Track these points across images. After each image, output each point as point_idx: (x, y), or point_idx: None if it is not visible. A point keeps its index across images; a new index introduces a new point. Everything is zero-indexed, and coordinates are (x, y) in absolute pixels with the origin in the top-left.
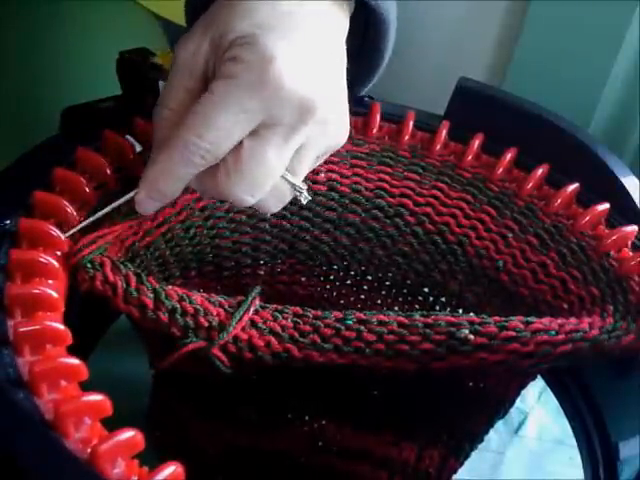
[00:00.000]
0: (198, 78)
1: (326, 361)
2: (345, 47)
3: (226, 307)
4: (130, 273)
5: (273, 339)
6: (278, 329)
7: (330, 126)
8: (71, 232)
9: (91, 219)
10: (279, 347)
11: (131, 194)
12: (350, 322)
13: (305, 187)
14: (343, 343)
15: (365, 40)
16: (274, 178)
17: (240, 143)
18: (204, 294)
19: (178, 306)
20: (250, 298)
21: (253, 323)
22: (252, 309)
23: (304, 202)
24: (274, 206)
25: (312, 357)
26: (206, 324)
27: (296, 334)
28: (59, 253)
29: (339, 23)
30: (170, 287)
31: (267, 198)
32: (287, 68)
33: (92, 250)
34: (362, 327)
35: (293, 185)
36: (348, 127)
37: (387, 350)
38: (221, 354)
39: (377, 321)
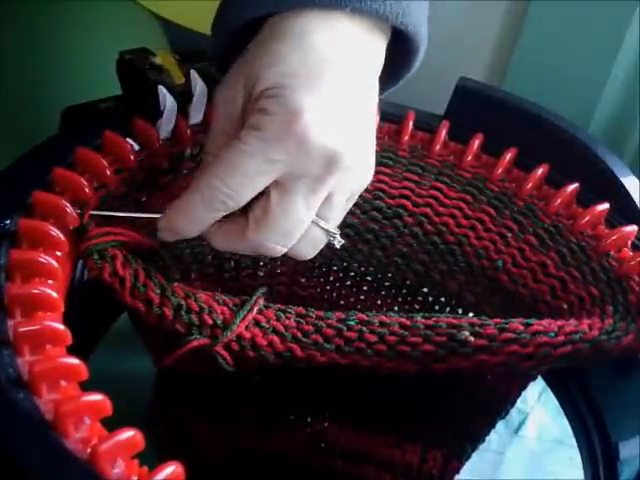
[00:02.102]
0: (236, 124)
1: (328, 361)
2: (377, 84)
3: (230, 306)
4: (140, 268)
5: (276, 338)
6: (281, 329)
7: (357, 172)
8: (95, 213)
9: (114, 214)
10: (282, 346)
11: (155, 216)
12: (352, 323)
13: (338, 232)
14: (345, 343)
15: (395, 55)
16: (303, 227)
17: (268, 195)
18: (209, 292)
19: (184, 303)
20: (254, 297)
21: (257, 322)
22: (256, 308)
23: (338, 246)
24: (309, 252)
25: (314, 357)
26: (210, 322)
27: (299, 334)
28: (59, 253)
29: (374, 59)
30: (177, 284)
31: (300, 245)
32: (313, 122)
33: (103, 242)
34: (364, 328)
35: (326, 231)
36: (373, 167)
37: (388, 351)
38: (225, 352)
39: (379, 322)
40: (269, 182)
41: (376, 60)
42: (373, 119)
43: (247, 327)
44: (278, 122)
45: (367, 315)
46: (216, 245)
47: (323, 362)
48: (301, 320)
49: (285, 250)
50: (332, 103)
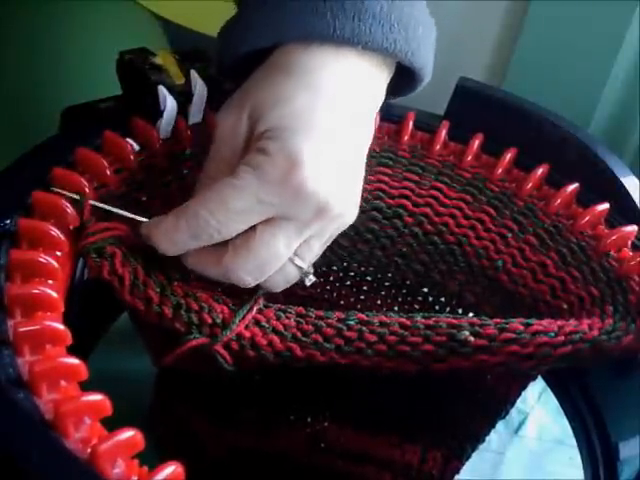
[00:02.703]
0: (237, 153)
1: (328, 361)
2: (374, 121)
3: (230, 305)
4: (139, 266)
5: (276, 338)
6: (281, 328)
7: (342, 218)
8: (93, 203)
9: (112, 209)
10: (281, 346)
11: (142, 219)
12: (352, 322)
13: (312, 270)
14: (345, 343)
15: (397, 80)
16: (278, 264)
17: (252, 226)
18: (209, 292)
19: (183, 302)
20: (254, 297)
21: (256, 322)
22: (255, 308)
23: (308, 284)
24: (280, 286)
25: (314, 356)
26: (210, 321)
27: (298, 333)
28: (59, 253)
29: (376, 97)
30: (176, 283)
31: (273, 278)
32: (311, 173)
33: (101, 239)
34: (364, 328)
35: (300, 268)
36: (357, 212)
37: (388, 351)
38: (224, 351)
39: (379, 322)
40: (258, 221)
41: (377, 97)
42: (364, 162)
43: (247, 326)
44: (277, 167)
45: (367, 315)
46: (187, 264)
47: (323, 362)
48: (301, 320)
49: (255, 283)
50: (330, 151)
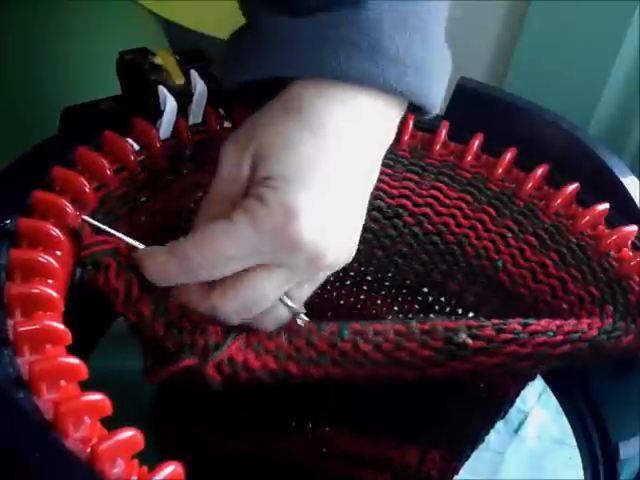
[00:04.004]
0: (238, 192)
1: (324, 375)
2: (380, 158)
3: (224, 326)
4: (135, 278)
5: (269, 358)
6: (273, 348)
7: (336, 265)
8: (86, 219)
9: (108, 229)
10: (275, 366)
11: (137, 245)
12: (346, 334)
13: (304, 311)
14: (340, 355)
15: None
16: (266, 306)
17: None
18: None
19: (176, 321)
20: None
21: (249, 343)
22: (247, 330)
23: (302, 324)
24: (270, 325)
25: (310, 372)
26: (202, 342)
27: (292, 351)
28: (59, 253)
29: (386, 134)
30: (172, 300)
31: (264, 318)
32: (307, 225)
33: (97, 251)
34: (358, 338)
35: (291, 308)
36: (351, 258)
37: (385, 359)
38: (215, 373)
39: (373, 331)
40: (250, 266)
41: (388, 135)
42: (365, 208)
43: (239, 348)
44: (274, 217)
45: (361, 324)
46: (176, 296)
47: (319, 376)
48: (293, 337)
49: (240, 321)
50: (330, 202)
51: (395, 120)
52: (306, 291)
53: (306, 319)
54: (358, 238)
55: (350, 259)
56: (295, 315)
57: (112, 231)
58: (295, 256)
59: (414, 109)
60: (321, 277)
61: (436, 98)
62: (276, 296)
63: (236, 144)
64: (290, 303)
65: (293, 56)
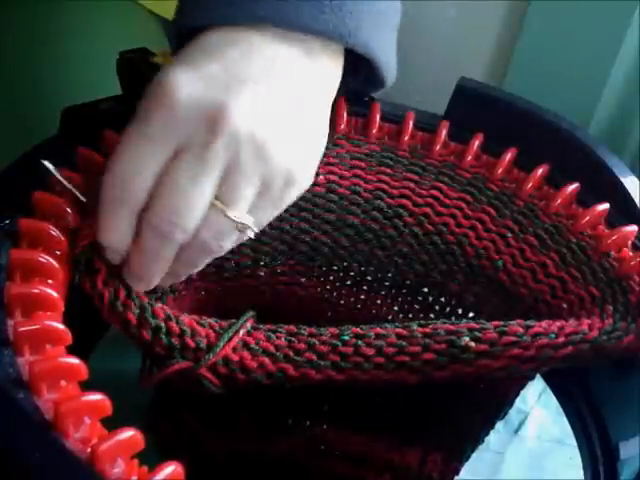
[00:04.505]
0: None
1: (324, 378)
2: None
3: (216, 329)
4: (122, 285)
5: (267, 360)
6: (272, 349)
7: (266, 148)
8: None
9: (56, 174)
10: (273, 367)
11: (82, 198)
12: (347, 337)
13: (251, 220)
14: (341, 359)
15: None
16: (196, 204)
17: None
18: (194, 316)
19: (163, 325)
20: (242, 320)
21: (245, 344)
22: (242, 331)
23: (251, 235)
24: (214, 243)
25: (309, 375)
26: (193, 345)
27: (291, 353)
28: (59, 253)
29: (297, 60)
30: (159, 305)
31: (202, 233)
32: (179, 81)
33: (84, 249)
34: (359, 342)
35: (231, 218)
36: (308, 160)
37: (387, 363)
38: (210, 375)
39: (374, 334)
40: (160, 163)
41: (324, 80)
42: (305, 110)
43: (235, 350)
44: (149, 98)
45: (362, 328)
46: (133, 266)
47: (319, 380)
48: (292, 339)
49: (181, 233)
50: (208, 69)
51: (328, 64)
52: (237, 191)
53: (255, 230)
54: (302, 139)
55: (296, 164)
56: (239, 225)
57: (62, 179)
58: (185, 120)
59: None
60: (252, 172)
61: (367, 40)
62: (194, 187)
63: None
64: (225, 210)
65: (207, 4)
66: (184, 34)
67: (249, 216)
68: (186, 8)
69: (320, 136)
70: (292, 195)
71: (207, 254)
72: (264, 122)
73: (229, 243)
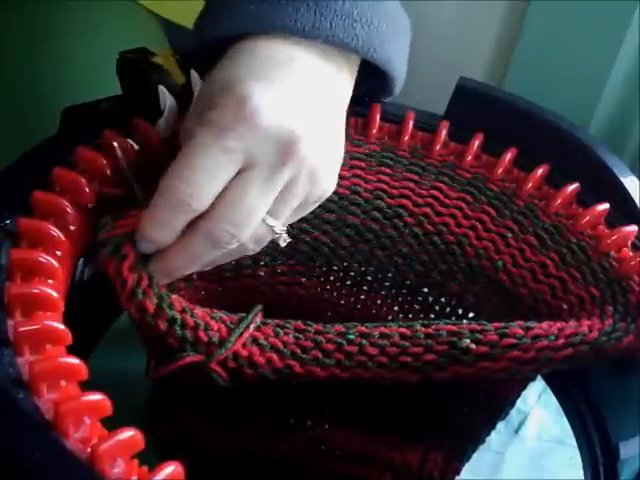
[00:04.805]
0: None
1: (328, 376)
2: (342, 100)
3: (228, 323)
4: (145, 274)
5: (274, 356)
6: (280, 345)
7: (317, 169)
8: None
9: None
10: (280, 364)
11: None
12: (352, 336)
13: (285, 229)
14: (345, 357)
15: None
16: (256, 219)
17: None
18: (207, 309)
19: (179, 317)
20: (251, 315)
21: (254, 340)
22: (252, 326)
23: (283, 244)
24: (252, 248)
25: (314, 372)
26: (206, 339)
27: (298, 350)
28: (59, 253)
29: (343, 95)
30: (175, 296)
31: (247, 240)
32: (263, 104)
33: (115, 236)
34: (364, 341)
35: (272, 227)
36: (336, 176)
37: (390, 363)
38: (220, 369)
39: (379, 334)
40: (230, 175)
41: (344, 93)
42: (337, 123)
43: (244, 345)
44: (228, 109)
45: (366, 327)
46: (169, 261)
47: (324, 377)
48: (300, 335)
49: (234, 243)
50: (285, 91)
51: (348, 77)
52: (288, 206)
53: (288, 239)
54: (339, 159)
55: (334, 176)
56: (276, 234)
57: (127, 171)
58: (261, 140)
59: (379, 77)
60: (303, 191)
61: (388, 57)
62: (260, 205)
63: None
64: (271, 221)
65: (242, 13)
66: (207, 42)
67: (282, 225)
68: (220, 15)
69: (342, 149)
70: (316, 206)
71: (241, 254)
72: (320, 150)
73: (261, 247)
